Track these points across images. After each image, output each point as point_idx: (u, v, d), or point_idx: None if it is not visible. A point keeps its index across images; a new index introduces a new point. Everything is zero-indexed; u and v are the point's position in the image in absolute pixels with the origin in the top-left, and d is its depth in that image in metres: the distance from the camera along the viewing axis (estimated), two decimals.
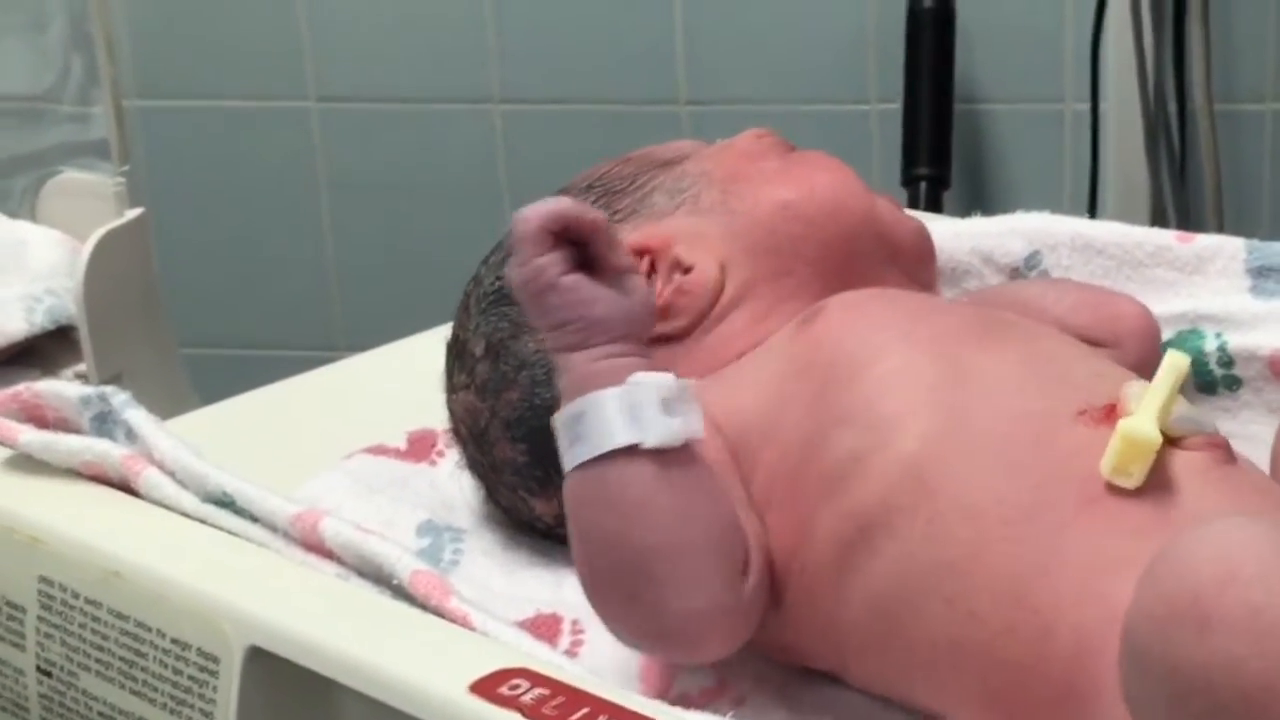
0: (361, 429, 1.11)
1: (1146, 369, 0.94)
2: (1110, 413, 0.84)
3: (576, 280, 0.85)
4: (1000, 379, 0.87)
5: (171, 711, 0.81)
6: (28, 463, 0.92)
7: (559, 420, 0.84)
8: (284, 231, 2.12)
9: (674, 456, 0.83)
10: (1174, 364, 0.86)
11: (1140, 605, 0.70)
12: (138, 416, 0.89)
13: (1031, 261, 1.11)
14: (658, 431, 0.82)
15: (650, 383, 0.83)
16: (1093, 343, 0.98)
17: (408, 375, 1.11)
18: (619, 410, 0.82)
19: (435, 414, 1.05)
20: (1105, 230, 1.11)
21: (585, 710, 0.70)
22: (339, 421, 1.14)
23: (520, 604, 0.95)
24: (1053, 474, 0.82)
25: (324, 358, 1.30)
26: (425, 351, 1.09)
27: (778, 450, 0.89)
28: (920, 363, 0.88)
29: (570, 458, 0.83)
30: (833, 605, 0.86)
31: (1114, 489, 0.81)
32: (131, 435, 0.90)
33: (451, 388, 1.05)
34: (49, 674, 0.86)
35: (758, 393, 0.92)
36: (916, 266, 1.04)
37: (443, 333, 1.07)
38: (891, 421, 0.86)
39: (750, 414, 0.91)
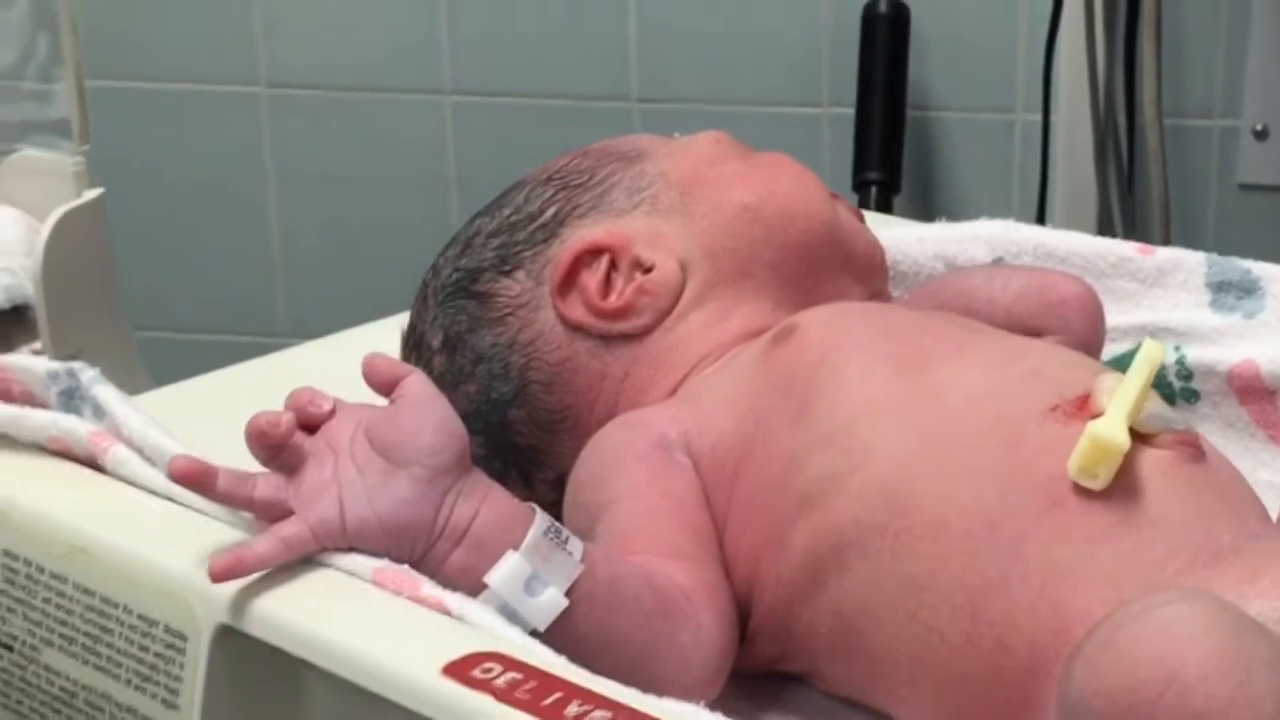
0: None
1: (1092, 349, 0.95)
2: (1083, 405, 0.84)
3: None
4: (972, 387, 0.87)
5: (136, 688, 0.79)
6: None
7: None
8: (230, 217, 2.11)
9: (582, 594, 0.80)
10: (1149, 356, 0.86)
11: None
12: (106, 393, 0.88)
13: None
14: (538, 618, 0.79)
15: (505, 584, 0.78)
16: (1039, 330, 0.99)
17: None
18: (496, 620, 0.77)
19: None
20: (1067, 239, 1.12)
21: (558, 695, 0.70)
22: None
23: None
24: (1019, 479, 0.82)
25: (266, 344, 1.28)
26: (382, 340, 1.07)
27: (756, 470, 0.89)
28: (896, 385, 0.88)
29: None
30: (805, 615, 0.86)
31: (1080, 490, 0.81)
32: (99, 412, 0.88)
33: None
34: (10, 648, 0.84)
35: (733, 415, 0.92)
36: (869, 276, 1.04)
37: (399, 321, 1.06)
38: (869, 445, 0.86)
39: (728, 437, 0.91)
